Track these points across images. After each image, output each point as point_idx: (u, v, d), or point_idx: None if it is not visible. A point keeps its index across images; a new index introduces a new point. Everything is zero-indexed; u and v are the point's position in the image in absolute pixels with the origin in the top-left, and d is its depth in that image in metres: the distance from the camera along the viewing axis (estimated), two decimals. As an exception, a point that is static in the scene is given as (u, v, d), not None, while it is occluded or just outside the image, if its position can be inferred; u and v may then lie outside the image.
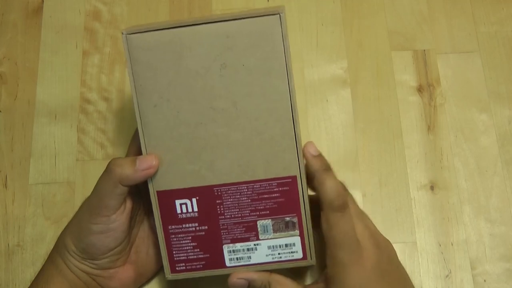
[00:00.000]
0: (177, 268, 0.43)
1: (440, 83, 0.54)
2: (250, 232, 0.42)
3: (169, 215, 0.42)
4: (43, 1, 0.58)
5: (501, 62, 0.55)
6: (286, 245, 0.42)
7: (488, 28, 0.56)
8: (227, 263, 0.43)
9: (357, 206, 0.44)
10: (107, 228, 0.41)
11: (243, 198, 0.42)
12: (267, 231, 0.42)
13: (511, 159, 0.52)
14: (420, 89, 0.54)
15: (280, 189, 0.41)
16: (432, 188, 0.51)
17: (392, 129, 0.53)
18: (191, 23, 0.40)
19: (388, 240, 0.43)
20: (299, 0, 0.57)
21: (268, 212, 0.42)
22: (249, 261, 0.42)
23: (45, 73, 0.55)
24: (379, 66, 0.55)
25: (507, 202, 0.51)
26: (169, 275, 0.43)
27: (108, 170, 0.41)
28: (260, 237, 0.42)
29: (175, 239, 0.43)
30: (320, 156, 0.41)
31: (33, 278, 0.45)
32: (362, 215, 0.43)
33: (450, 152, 0.52)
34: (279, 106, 0.40)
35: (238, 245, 0.42)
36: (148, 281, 0.47)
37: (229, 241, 0.42)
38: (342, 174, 0.51)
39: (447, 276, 0.48)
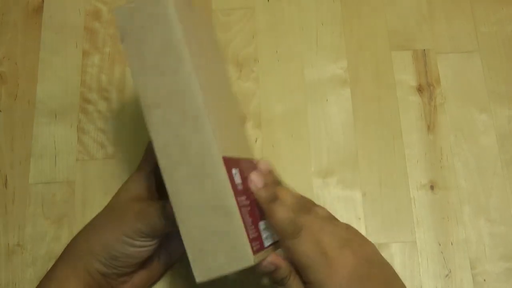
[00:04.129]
0: (253, 249, 0.36)
1: (440, 83, 0.54)
2: None
3: (233, 186, 0.37)
4: (43, 1, 0.58)
5: (501, 62, 0.55)
6: None
7: (488, 28, 0.56)
8: (265, 244, 0.39)
9: (323, 210, 0.43)
10: (149, 244, 0.42)
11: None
12: None
13: (511, 159, 0.52)
14: (420, 89, 0.54)
15: None
16: (432, 188, 0.51)
17: (392, 129, 0.53)
18: None
19: (365, 242, 0.42)
20: (299, 0, 0.57)
21: None
22: (274, 239, 0.40)
23: (45, 73, 0.55)
24: (379, 66, 0.55)
25: (507, 202, 0.51)
26: (252, 258, 0.36)
27: (165, 217, 0.40)
28: None
29: (242, 213, 0.37)
30: (266, 185, 0.39)
31: (33, 278, 0.45)
32: (328, 223, 0.42)
33: (450, 152, 0.52)
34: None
35: (265, 222, 0.40)
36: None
37: (261, 217, 0.39)
38: (342, 174, 0.51)
39: (446, 275, 0.48)
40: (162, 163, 0.37)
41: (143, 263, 0.44)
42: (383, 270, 0.42)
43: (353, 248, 0.40)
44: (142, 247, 0.42)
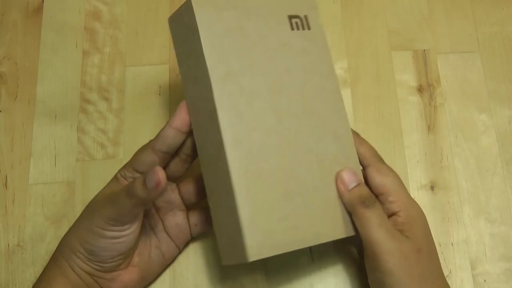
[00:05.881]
0: None
1: (440, 83, 0.54)
2: None
3: None
4: (43, 1, 0.58)
5: (501, 62, 0.55)
6: None
7: (488, 28, 0.56)
8: None
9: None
10: (120, 235, 0.41)
11: None
12: None
13: (511, 159, 0.52)
14: (420, 89, 0.54)
15: None
16: (432, 188, 0.51)
17: (392, 129, 0.53)
18: None
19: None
20: (299, 0, 0.57)
21: None
22: None
23: (45, 73, 0.55)
24: (379, 66, 0.55)
25: (507, 202, 0.51)
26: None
27: (130, 194, 0.40)
28: None
29: None
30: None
31: (33, 278, 0.45)
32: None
33: (450, 152, 0.52)
34: None
35: None
36: (149, 284, 0.47)
37: None
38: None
39: (447, 276, 0.48)
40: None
41: (129, 259, 0.44)
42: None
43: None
44: (114, 238, 0.41)
